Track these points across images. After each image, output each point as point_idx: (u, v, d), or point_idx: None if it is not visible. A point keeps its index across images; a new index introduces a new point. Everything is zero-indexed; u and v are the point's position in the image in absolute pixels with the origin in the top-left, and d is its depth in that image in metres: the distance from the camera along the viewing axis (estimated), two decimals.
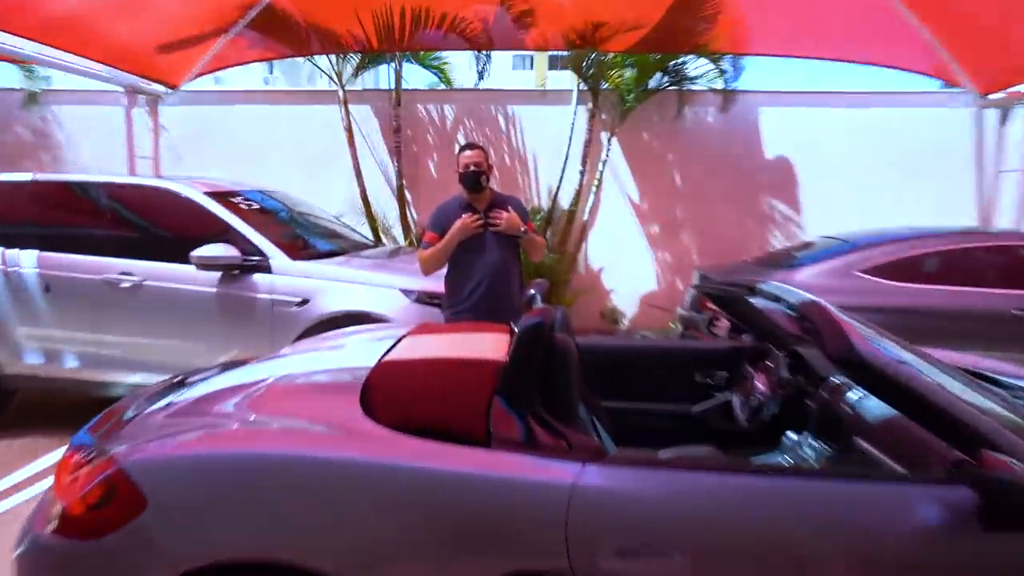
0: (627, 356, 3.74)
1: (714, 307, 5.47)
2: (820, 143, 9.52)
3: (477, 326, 3.41)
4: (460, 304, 4.32)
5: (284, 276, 5.08)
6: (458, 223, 4.24)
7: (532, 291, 3.51)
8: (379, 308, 4.90)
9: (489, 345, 2.83)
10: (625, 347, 4.09)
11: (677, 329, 7.42)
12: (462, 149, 4.34)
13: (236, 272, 5.09)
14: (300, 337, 4.74)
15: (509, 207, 4.32)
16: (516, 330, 2.82)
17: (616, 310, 9.90)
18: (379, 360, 2.74)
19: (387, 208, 9.95)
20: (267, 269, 5.09)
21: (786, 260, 6.36)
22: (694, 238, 9.83)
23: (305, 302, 4.98)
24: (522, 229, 4.30)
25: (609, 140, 9.58)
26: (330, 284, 5.04)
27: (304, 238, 6.00)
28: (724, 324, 5.21)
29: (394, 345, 2.94)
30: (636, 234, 9.87)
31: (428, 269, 4.38)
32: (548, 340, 2.55)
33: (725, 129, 9.71)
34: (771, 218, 9.75)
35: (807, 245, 6.85)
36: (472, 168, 4.25)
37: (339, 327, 4.17)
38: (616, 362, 3.66)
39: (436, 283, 4.61)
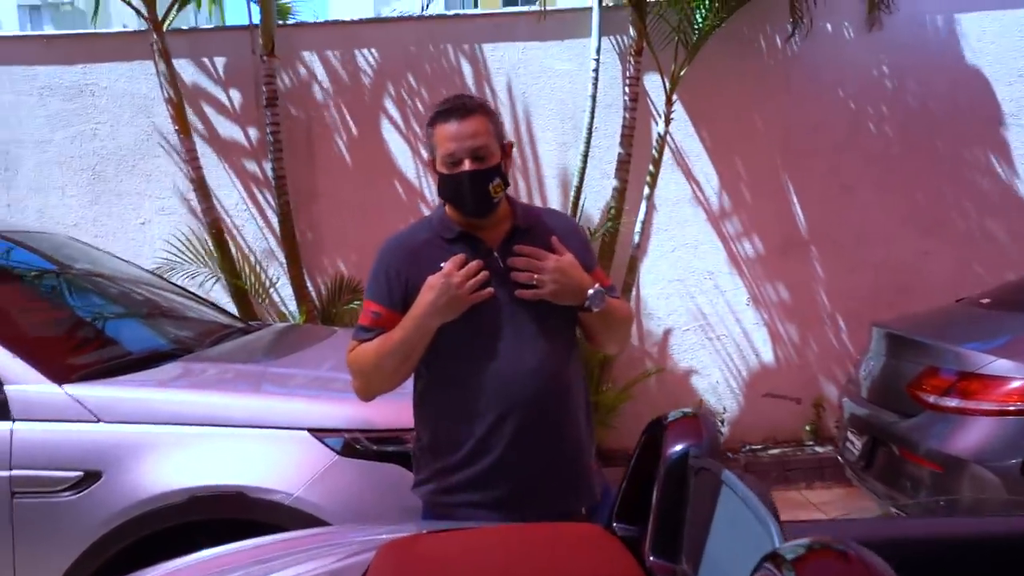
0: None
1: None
2: None
3: (527, 541, 1.56)
4: (458, 470, 2.09)
5: (40, 423, 2.69)
6: (436, 284, 2.01)
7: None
8: (264, 479, 2.61)
9: None
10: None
11: (852, 449, 3.95)
12: (438, 117, 2.09)
13: None
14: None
15: (554, 238, 2.11)
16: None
17: (704, 408, 5.42)
18: None
19: (261, 248, 5.35)
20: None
21: None
22: (837, 264, 5.53)
23: (93, 479, 2.61)
24: (590, 291, 2.07)
25: (669, 96, 5.11)
26: (148, 432, 2.69)
27: (93, 328, 3.40)
28: None
29: None
30: (725, 265, 5.46)
31: (371, 386, 2.17)
32: None
33: (878, 61, 5.46)
34: (982, 217, 5.47)
35: None
36: (468, 163, 2.04)
37: (172, 537, 2.45)
38: None
39: (392, 411, 2.52)
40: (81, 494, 2.65)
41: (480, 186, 2.03)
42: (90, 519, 2.63)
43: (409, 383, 2.23)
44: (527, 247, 2.07)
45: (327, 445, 2.69)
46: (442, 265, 2.04)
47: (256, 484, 2.61)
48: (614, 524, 1.70)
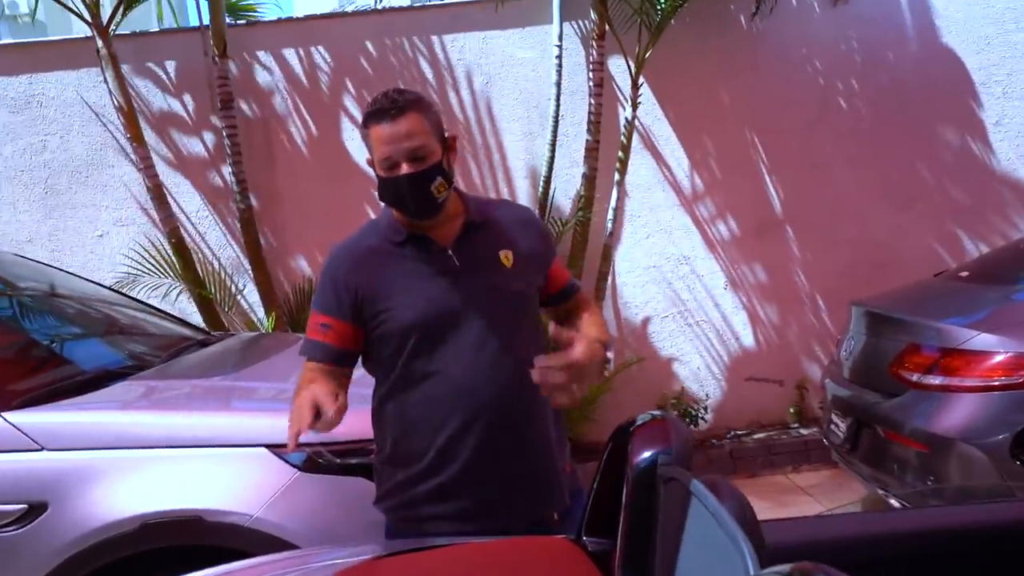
0: None
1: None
2: None
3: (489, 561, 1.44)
4: (421, 481, 1.99)
5: None
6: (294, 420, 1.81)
7: None
8: (220, 501, 2.47)
9: None
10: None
11: (837, 431, 3.81)
12: (370, 118, 1.93)
13: None
14: None
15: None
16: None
17: (686, 396, 5.35)
18: None
19: (226, 256, 5.19)
20: None
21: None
22: (813, 243, 5.44)
23: (38, 511, 2.44)
24: (610, 362, 2.23)
25: (635, 79, 5.01)
26: (96, 458, 2.53)
27: (39, 350, 3.20)
28: None
29: None
30: (701, 249, 5.36)
31: None
32: None
33: (845, 35, 5.36)
34: (956, 188, 5.38)
35: None
36: (406, 166, 1.90)
37: (130, 568, 2.39)
38: None
39: (357, 421, 2.04)
40: (26, 528, 2.50)
41: (421, 188, 1.91)
42: (37, 554, 2.48)
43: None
44: (551, 358, 1.80)
45: (287, 461, 2.55)
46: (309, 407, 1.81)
47: (212, 507, 2.47)
48: (584, 538, 1.59)
